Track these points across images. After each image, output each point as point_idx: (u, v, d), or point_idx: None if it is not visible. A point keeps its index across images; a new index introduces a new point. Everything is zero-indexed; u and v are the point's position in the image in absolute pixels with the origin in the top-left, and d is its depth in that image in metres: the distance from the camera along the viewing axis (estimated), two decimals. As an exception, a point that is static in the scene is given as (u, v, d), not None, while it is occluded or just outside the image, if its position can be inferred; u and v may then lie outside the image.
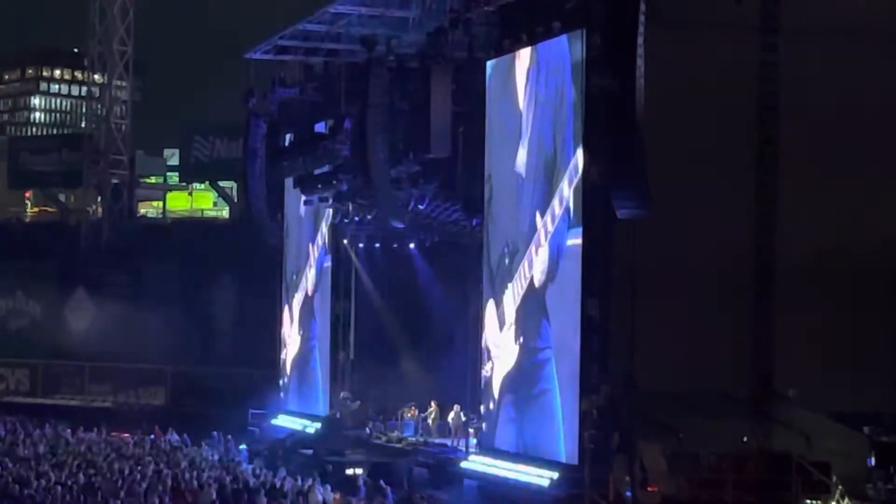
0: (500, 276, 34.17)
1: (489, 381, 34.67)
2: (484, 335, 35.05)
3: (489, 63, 35.17)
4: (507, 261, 33.84)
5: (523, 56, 33.73)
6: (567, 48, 31.67)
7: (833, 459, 29.70)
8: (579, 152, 30.84)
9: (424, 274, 42.06)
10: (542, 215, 32.22)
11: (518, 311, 33.41)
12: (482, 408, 35.15)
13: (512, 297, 33.60)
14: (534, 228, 32.58)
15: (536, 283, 32.51)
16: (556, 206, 31.64)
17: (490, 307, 34.59)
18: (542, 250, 32.24)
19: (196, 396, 53.49)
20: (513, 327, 33.65)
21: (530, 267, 32.69)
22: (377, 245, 44.27)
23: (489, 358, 34.68)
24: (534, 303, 32.65)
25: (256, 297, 52.66)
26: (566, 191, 31.27)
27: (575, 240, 30.84)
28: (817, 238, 31.61)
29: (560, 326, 31.42)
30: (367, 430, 41.40)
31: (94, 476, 34.41)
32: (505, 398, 33.92)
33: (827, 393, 31.06)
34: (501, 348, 34.08)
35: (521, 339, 33.24)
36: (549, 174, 32.19)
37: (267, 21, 42.78)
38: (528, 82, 33.51)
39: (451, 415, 38.98)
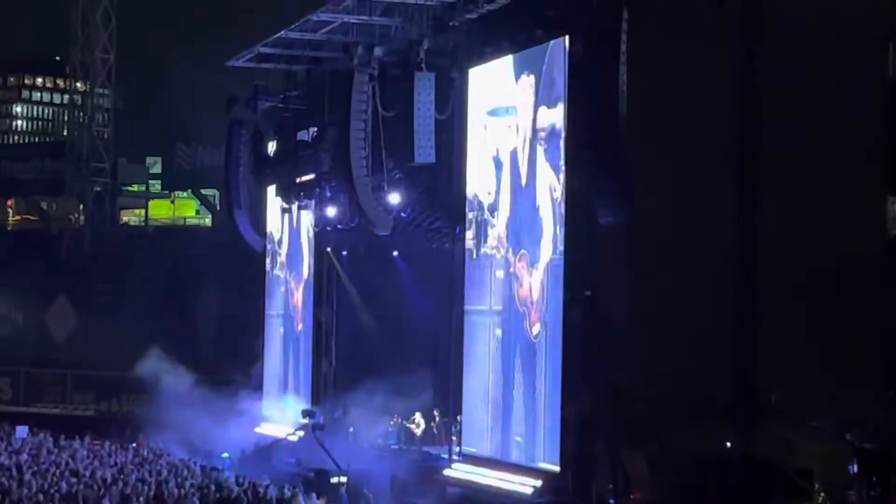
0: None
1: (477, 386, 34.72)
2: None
3: (471, 71, 35.18)
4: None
5: (506, 63, 33.75)
6: (550, 56, 31.71)
7: (815, 466, 29.74)
8: (563, 158, 30.88)
9: (407, 281, 41.96)
10: (527, 224, 32.27)
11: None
12: (463, 414, 35.15)
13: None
14: (517, 239, 32.63)
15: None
16: (542, 215, 31.69)
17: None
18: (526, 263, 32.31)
19: (179, 405, 53.26)
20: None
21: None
22: (360, 252, 44.19)
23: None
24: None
25: (239, 305, 52.53)
26: (548, 197, 31.32)
27: (553, 251, 30.93)
28: (800, 243, 31.61)
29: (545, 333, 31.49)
30: (350, 438, 41.36)
31: (77, 485, 34.33)
32: (490, 404, 33.94)
33: (809, 399, 31.04)
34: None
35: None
36: (531, 182, 32.20)
37: (250, 29, 42.58)
38: (510, 89, 33.52)
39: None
